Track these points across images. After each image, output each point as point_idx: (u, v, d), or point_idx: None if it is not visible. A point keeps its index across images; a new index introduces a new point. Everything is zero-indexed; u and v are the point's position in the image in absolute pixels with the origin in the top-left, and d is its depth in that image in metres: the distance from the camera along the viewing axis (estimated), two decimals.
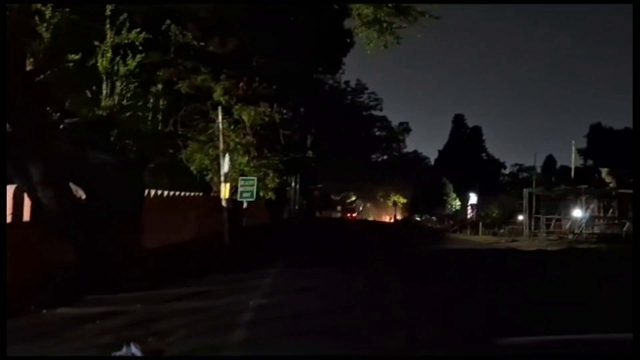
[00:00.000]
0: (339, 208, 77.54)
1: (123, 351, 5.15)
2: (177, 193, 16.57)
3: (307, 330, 6.32)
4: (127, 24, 9.76)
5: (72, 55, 8.99)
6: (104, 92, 9.90)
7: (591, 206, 30.83)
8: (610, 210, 30.79)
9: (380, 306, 8.21)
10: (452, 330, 6.58)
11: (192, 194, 18.79)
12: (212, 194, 19.93)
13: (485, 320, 7.27)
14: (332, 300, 8.55)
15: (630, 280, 12.12)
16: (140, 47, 10.29)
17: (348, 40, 23.06)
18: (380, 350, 5.62)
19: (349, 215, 75.60)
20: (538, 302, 9.00)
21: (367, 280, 11.05)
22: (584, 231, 28.53)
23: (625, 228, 27.46)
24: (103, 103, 9.81)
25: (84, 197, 9.27)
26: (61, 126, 8.85)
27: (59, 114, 8.94)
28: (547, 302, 8.98)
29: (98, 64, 9.71)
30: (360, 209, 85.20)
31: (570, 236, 28.35)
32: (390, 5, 12.82)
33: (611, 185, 33.10)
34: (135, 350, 5.19)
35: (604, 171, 36.43)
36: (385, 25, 12.77)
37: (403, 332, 6.52)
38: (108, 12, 9.45)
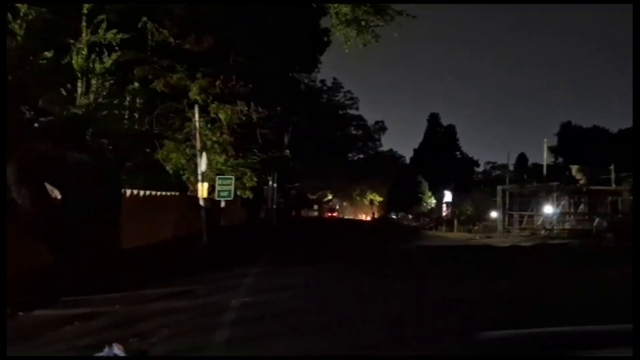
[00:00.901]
0: (315, 207, 77.29)
1: (105, 352, 5.11)
2: (154, 192, 16.38)
3: (291, 329, 6.31)
4: (105, 25, 9.62)
5: (46, 53, 8.83)
6: (79, 90, 9.75)
7: (562, 202, 31.59)
8: (581, 207, 31.60)
9: (363, 303, 8.26)
10: (439, 326, 6.65)
11: (169, 193, 18.59)
12: (188, 193, 19.73)
13: (472, 314, 7.35)
14: (315, 298, 8.57)
15: (602, 271, 12.55)
16: (117, 47, 10.17)
17: (325, 39, 23.17)
18: (368, 349, 5.68)
19: (329, 214, 75.14)
20: (521, 295, 9.19)
21: (349, 278, 11.11)
22: (555, 227, 29.22)
23: (595, 223, 28.24)
24: (78, 101, 9.65)
25: (59, 197, 9.11)
26: (35, 125, 8.66)
27: (33, 112, 8.74)
28: (529, 295, 9.19)
29: (73, 62, 9.55)
30: (337, 207, 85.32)
31: (542, 232, 29.00)
32: (367, 4, 12.93)
33: (581, 182, 33.95)
34: (117, 351, 5.16)
35: (574, 168, 37.31)
36: (363, 23, 12.86)
37: (388, 328, 6.57)
38: (85, 11, 9.30)
